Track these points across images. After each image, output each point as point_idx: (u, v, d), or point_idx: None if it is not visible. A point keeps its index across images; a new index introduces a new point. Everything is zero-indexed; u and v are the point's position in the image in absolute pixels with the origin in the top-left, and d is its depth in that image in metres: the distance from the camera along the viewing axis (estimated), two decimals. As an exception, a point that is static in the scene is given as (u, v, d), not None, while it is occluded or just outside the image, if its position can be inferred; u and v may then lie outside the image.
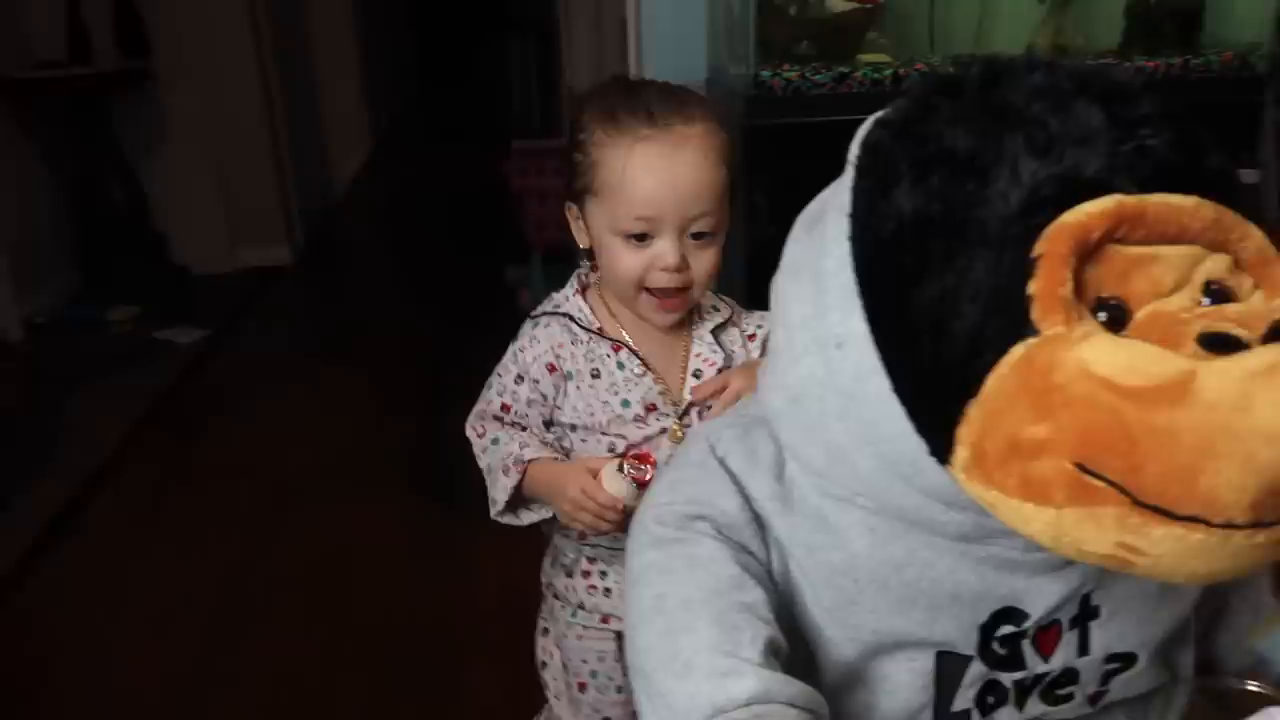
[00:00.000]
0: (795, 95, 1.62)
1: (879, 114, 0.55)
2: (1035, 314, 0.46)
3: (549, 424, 1.00)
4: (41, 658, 1.78)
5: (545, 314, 0.99)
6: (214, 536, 2.14)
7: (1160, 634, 0.65)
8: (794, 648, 0.62)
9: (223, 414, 2.78)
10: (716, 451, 0.65)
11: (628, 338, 0.97)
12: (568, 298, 1.00)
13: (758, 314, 1.02)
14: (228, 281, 3.82)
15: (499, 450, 0.98)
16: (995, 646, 0.62)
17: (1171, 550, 0.44)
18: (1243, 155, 1.69)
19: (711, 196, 0.89)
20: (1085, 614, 0.63)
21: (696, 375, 0.97)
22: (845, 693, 0.64)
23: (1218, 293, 0.48)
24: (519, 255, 3.41)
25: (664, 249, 0.89)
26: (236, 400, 2.87)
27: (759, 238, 1.71)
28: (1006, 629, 0.61)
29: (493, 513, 1.00)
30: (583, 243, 0.97)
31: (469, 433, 1.02)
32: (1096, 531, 0.46)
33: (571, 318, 0.97)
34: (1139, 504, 0.44)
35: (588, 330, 0.97)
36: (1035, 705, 0.65)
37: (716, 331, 0.99)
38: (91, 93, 3.53)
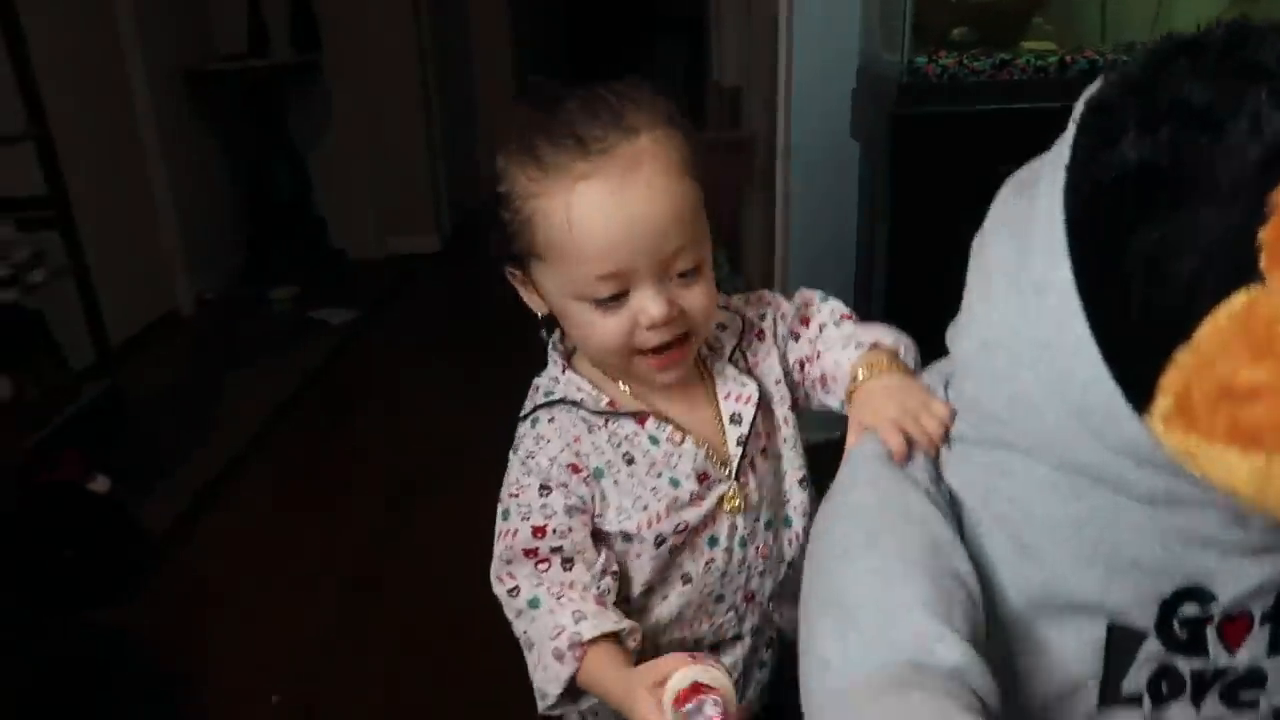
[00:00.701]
0: (951, 82, 1.56)
1: (1108, 74, 0.54)
2: (1264, 262, 0.45)
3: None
4: (194, 609, 1.89)
5: (541, 407, 0.78)
6: (355, 508, 2.23)
7: None
8: None
9: (370, 392, 2.90)
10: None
11: (646, 404, 0.78)
12: (558, 379, 0.79)
13: (763, 296, 0.85)
14: (379, 266, 3.98)
15: (542, 620, 0.73)
16: (1176, 627, 0.58)
17: None
18: None
19: (686, 222, 0.70)
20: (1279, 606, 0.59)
21: (736, 420, 0.78)
22: (1008, 656, 0.61)
23: None
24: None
25: (644, 303, 0.70)
26: (384, 380, 2.99)
27: (902, 240, 1.65)
28: (1190, 610, 0.58)
29: (541, 707, 0.74)
30: (540, 309, 0.78)
31: (496, 588, 0.78)
32: None
33: (576, 403, 0.77)
34: None
35: (600, 413, 0.77)
36: (1214, 706, 0.61)
37: (734, 357, 0.81)
38: (266, 84, 3.75)
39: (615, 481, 0.76)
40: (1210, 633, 0.58)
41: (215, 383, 2.90)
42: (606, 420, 0.77)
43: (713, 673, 0.63)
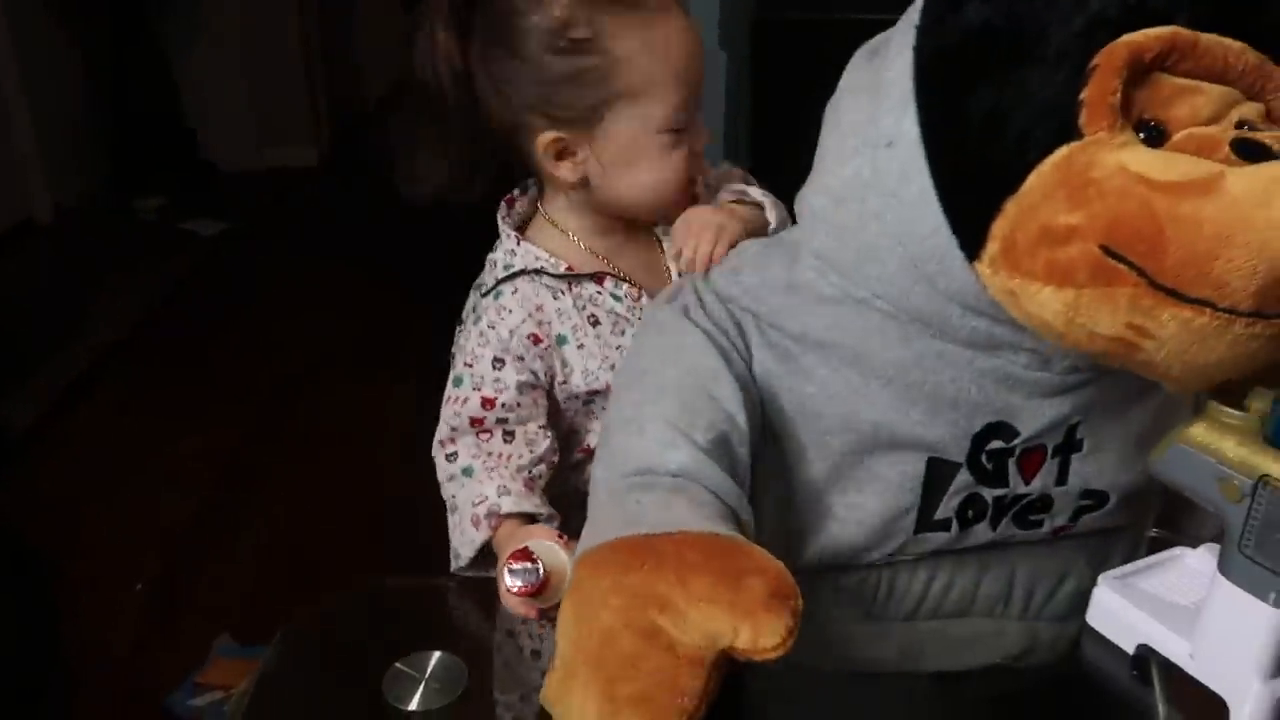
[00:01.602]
0: (807, -11, 1.62)
1: None
2: (1083, 119, 0.50)
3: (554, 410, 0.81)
4: (52, 505, 1.87)
5: (503, 280, 0.80)
6: (225, 410, 2.22)
7: (1133, 481, 0.68)
8: (779, 444, 0.67)
9: (240, 302, 2.85)
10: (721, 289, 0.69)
11: (604, 263, 0.81)
12: (514, 251, 0.81)
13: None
14: (253, 179, 3.87)
15: (470, 488, 0.77)
16: (984, 460, 0.65)
17: (1175, 334, 0.48)
18: None
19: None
20: (1069, 445, 0.66)
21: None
22: (835, 490, 0.67)
23: (1249, 131, 0.51)
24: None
25: (700, 127, 0.77)
26: (254, 291, 2.94)
27: (763, 145, 1.72)
28: (996, 444, 0.65)
29: (454, 566, 0.79)
30: (573, 177, 0.78)
31: (435, 452, 0.82)
32: (1110, 312, 0.50)
33: (537, 271, 0.79)
34: (1154, 285, 0.48)
35: (561, 276, 0.79)
36: (1008, 527, 0.69)
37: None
38: (126, -14, 3.56)
39: (580, 345, 0.79)
40: (1011, 465, 0.65)
41: (76, 290, 2.80)
42: (569, 284, 0.79)
43: (553, 550, 0.68)
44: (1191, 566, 0.67)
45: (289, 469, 1.99)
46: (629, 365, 0.70)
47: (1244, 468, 0.52)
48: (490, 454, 0.79)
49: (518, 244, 0.81)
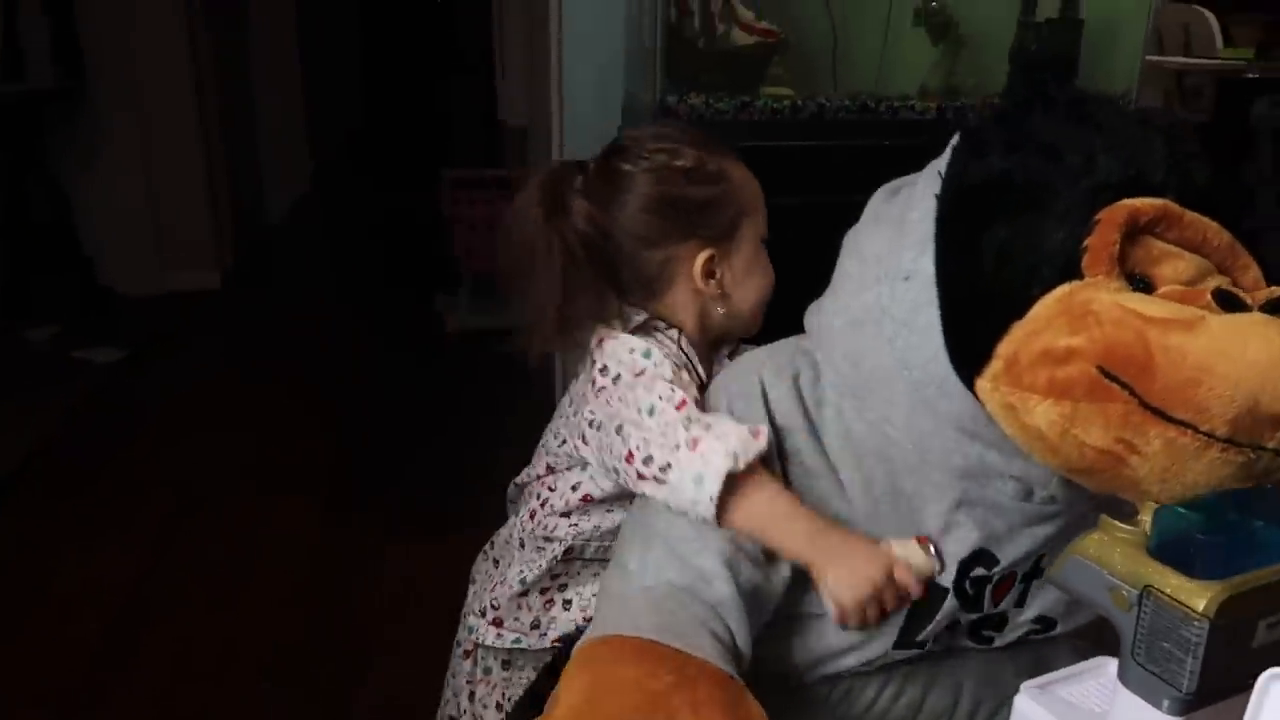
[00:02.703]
0: (699, 121, 1.70)
1: (982, 111, 0.69)
2: (1085, 262, 0.58)
3: None
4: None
5: (640, 329, 0.88)
6: (120, 540, 2.12)
7: (1083, 615, 0.74)
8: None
9: (136, 431, 2.75)
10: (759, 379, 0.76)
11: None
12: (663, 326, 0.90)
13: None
14: (154, 304, 3.79)
15: (718, 430, 0.73)
16: (967, 586, 0.71)
17: (1159, 451, 0.54)
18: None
19: None
20: (1034, 573, 0.72)
21: None
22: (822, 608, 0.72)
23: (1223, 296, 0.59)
24: (449, 283, 3.46)
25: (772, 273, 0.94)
26: (151, 419, 2.84)
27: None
28: (979, 571, 0.70)
29: (704, 509, 0.71)
30: (717, 291, 0.90)
31: (644, 487, 0.75)
32: (1103, 426, 0.56)
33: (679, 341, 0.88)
34: (1144, 405, 0.54)
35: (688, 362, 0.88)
36: (959, 638, 0.74)
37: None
38: (20, 110, 3.51)
39: None
40: (987, 590, 0.71)
41: (-40, 424, 2.67)
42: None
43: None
44: (1111, 674, 0.70)
45: (183, 608, 1.90)
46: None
47: (1131, 578, 0.55)
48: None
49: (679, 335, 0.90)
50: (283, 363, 3.25)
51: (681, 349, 0.87)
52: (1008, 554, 0.70)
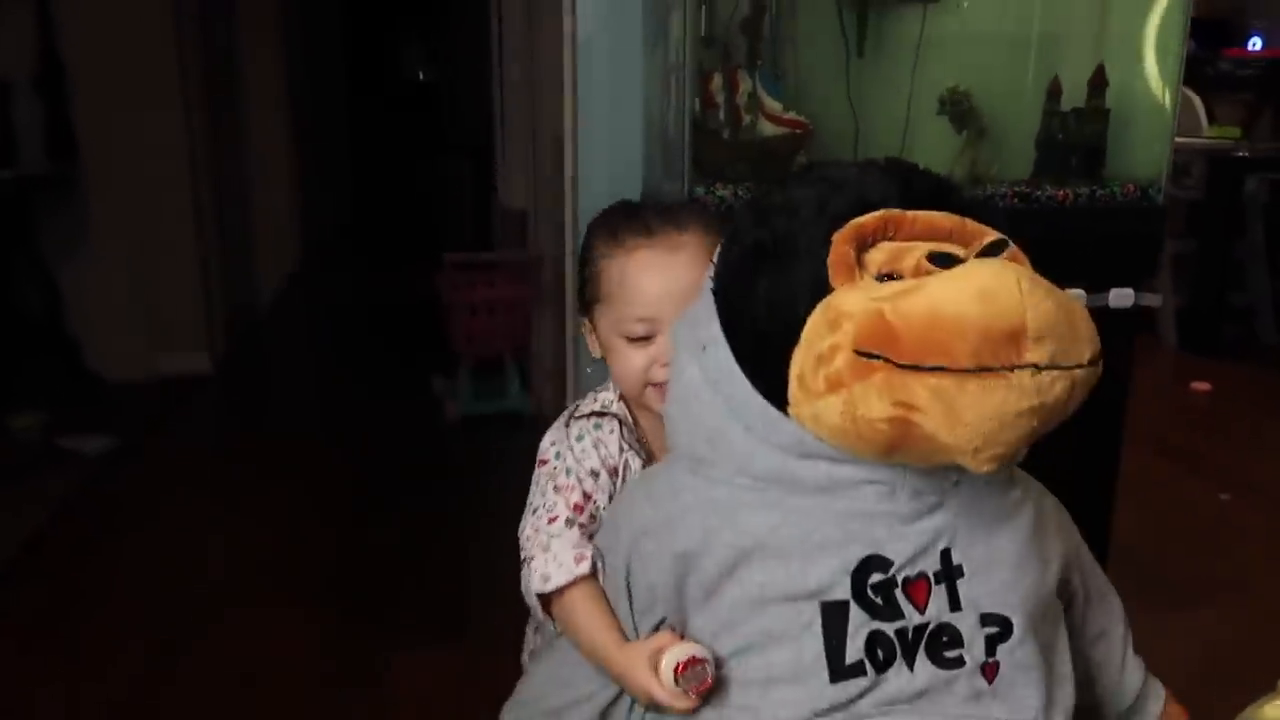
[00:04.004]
0: (728, 213, 1.67)
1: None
2: (831, 277, 0.69)
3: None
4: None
5: (595, 414, 1.01)
6: (116, 653, 2.00)
7: (1029, 602, 0.76)
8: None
9: (128, 526, 2.64)
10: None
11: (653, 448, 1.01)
12: (612, 401, 1.02)
13: None
14: (143, 390, 3.70)
15: (550, 553, 0.92)
16: (870, 594, 0.73)
17: (932, 402, 0.61)
18: (1144, 281, 1.77)
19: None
20: (950, 572, 0.75)
21: None
22: (744, 653, 0.76)
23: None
24: (446, 367, 3.40)
25: (664, 345, 0.93)
26: (144, 512, 2.74)
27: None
28: (877, 576, 0.73)
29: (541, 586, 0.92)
30: (595, 352, 1.03)
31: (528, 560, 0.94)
32: (876, 396, 0.64)
33: (621, 422, 1.00)
34: (899, 366, 0.63)
35: (632, 441, 1.00)
36: (925, 666, 0.73)
37: None
38: (13, 195, 3.47)
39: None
40: (899, 595, 0.74)
41: (-59, 523, 2.56)
42: (630, 447, 0.99)
43: (700, 648, 0.78)
44: None
45: (192, 715, 1.79)
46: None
47: None
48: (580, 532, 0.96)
49: (617, 400, 1.03)
50: (277, 451, 3.16)
51: (622, 437, 0.99)
52: (899, 553, 0.74)
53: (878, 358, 0.63)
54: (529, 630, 1.13)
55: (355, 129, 7.52)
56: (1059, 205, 1.77)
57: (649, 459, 1.01)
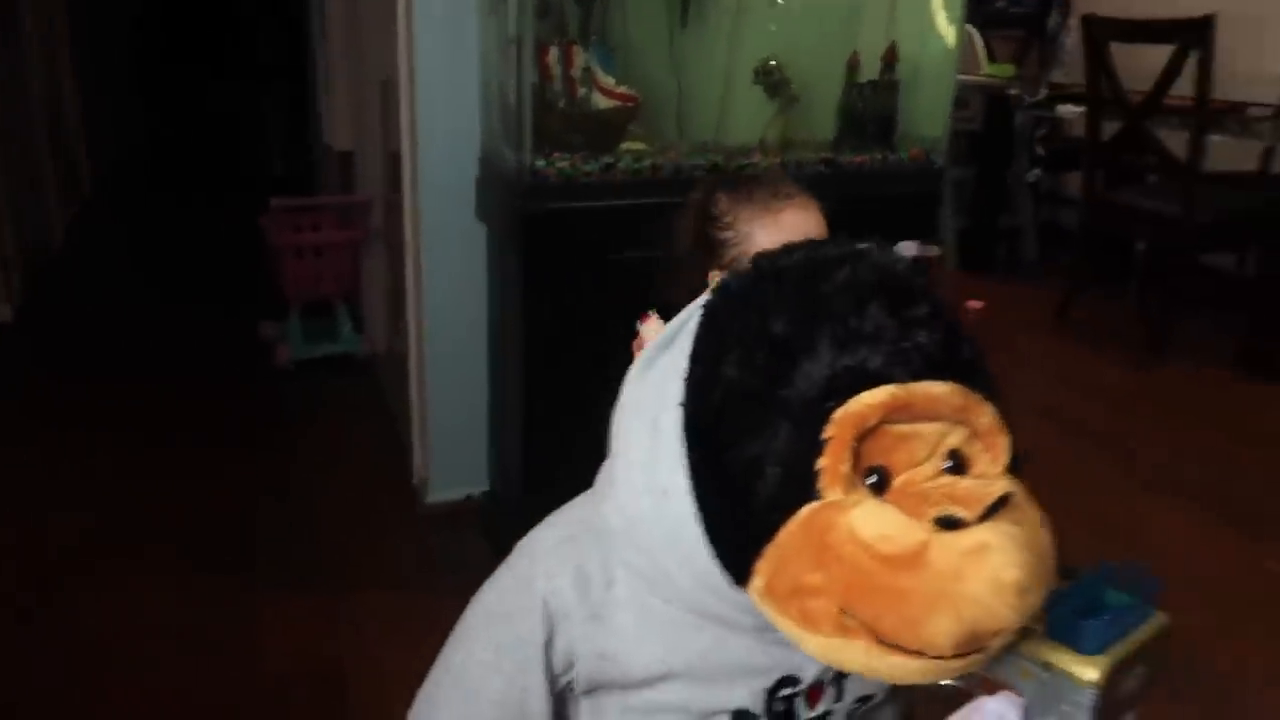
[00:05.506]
0: (567, 182, 1.79)
1: (724, 280, 0.70)
2: (821, 483, 0.61)
3: None
4: None
5: None
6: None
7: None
8: None
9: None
10: (538, 583, 0.78)
11: None
12: None
13: None
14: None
15: None
16: (777, 705, 0.79)
17: (903, 670, 0.62)
18: (927, 234, 2.03)
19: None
20: (841, 674, 0.81)
21: None
22: None
23: (957, 459, 0.65)
24: (275, 311, 3.36)
25: None
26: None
27: (531, 326, 1.87)
28: (786, 690, 0.79)
29: None
30: None
31: None
32: (852, 655, 0.63)
33: None
34: (882, 642, 0.61)
35: None
36: None
37: None
38: None
39: None
40: (798, 701, 0.80)
41: None
42: None
43: None
44: (992, 710, 0.84)
45: (42, 685, 1.81)
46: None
47: (1034, 657, 0.69)
48: None
49: None
50: (98, 402, 3.04)
51: None
52: (810, 673, 0.79)
53: (862, 624, 0.61)
54: None
55: (146, 46, 6.96)
56: (858, 169, 2.00)
57: None
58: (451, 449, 2.35)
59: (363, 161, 3.22)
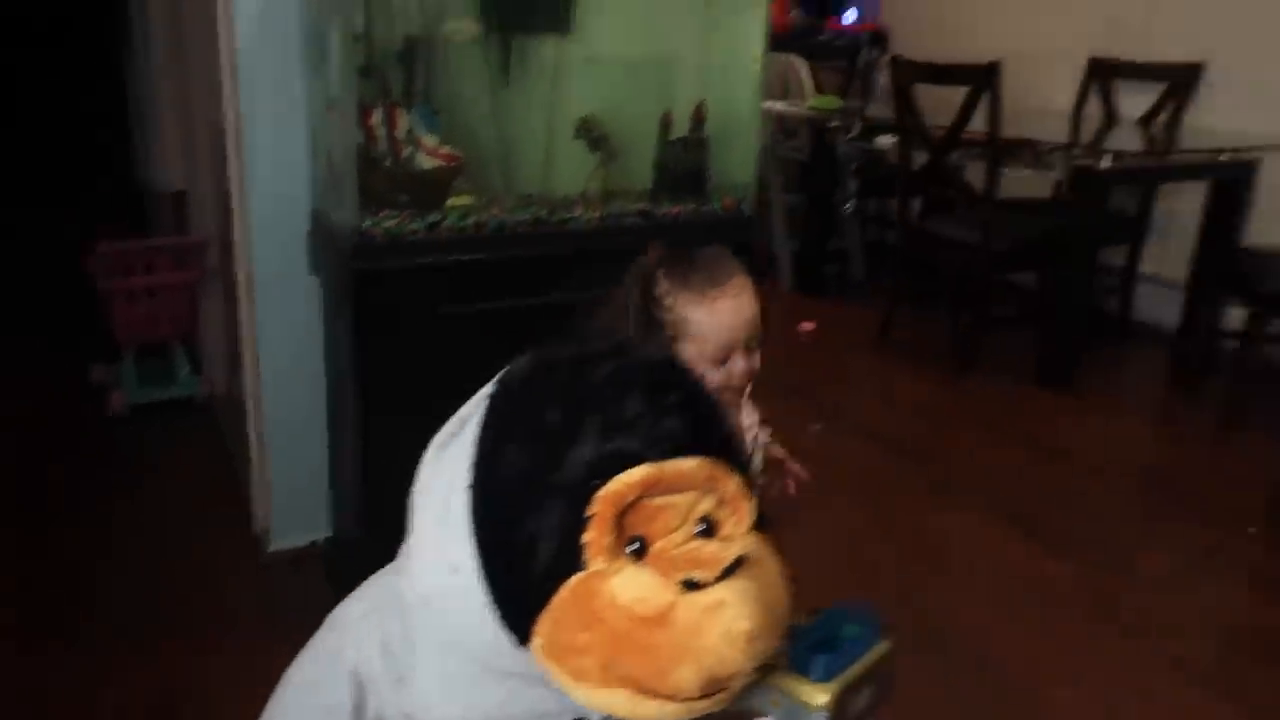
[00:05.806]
0: (393, 241, 1.87)
1: (508, 371, 0.79)
2: (588, 554, 0.70)
3: None
4: None
5: None
6: None
7: None
8: None
9: None
10: (348, 653, 0.87)
11: None
12: None
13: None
14: None
15: None
16: None
17: (660, 713, 0.71)
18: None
19: (759, 320, 1.29)
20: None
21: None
22: None
23: (708, 523, 0.74)
24: (107, 353, 3.26)
25: (740, 364, 1.28)
26: None
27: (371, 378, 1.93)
28: None
29: None
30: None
31: None
32: (618, 702, 0.71)
33: None
34: (640, 690, 0.70)
35: None
36: None
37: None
38: None
39: None
40: None
41: None
42: None
43: None
44: None
45: None
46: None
47: (779, 685, 0.83)
48: None
49: None
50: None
51: None
52: (596, 715, 0.80)
53: (624, 677, 0.69)
54: None
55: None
56: (674, 220, 2.15)
57: None
58: (293, 495, 2.36)
59: (196, 200, 3.18)
